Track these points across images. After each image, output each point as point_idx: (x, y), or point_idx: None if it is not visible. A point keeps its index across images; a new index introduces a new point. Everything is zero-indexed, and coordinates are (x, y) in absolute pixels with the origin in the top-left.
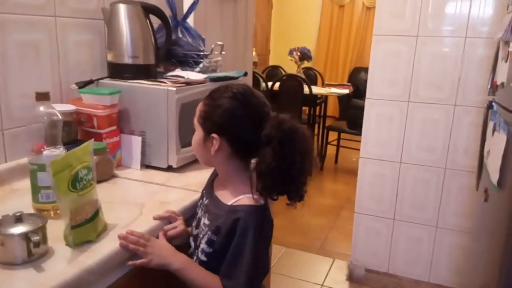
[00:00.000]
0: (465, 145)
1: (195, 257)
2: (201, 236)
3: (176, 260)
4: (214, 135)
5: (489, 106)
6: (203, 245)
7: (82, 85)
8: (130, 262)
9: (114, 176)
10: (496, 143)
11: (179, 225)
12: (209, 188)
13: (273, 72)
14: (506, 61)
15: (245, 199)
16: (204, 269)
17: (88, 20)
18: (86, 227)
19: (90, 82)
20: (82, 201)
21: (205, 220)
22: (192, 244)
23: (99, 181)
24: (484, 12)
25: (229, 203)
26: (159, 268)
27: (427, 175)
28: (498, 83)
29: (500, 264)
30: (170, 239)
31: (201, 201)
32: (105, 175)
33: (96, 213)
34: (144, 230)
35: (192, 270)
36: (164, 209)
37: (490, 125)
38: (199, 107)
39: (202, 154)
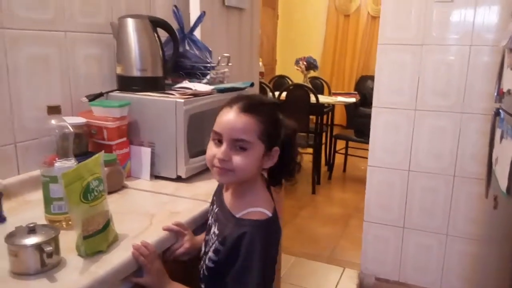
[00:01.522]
0: (472, 152)
1: (203, 262)
2: (210, 244)
3: (171, 286)
4: (276, 148)
5: (496, 113)
6: (210, 254)
7: (93, 98)
8: (134, 279)
9: (124, 187)
10: (504, 150)
11: (185, 242)
12: (219, 195)
13: (280, 82)
14: (511, 69)
15: (254, 213)
16: None
17: (97, 35)
18: (97, 237)
19: (100, 95)
20: (93, 212)
21: (215, 229)
22: (203, 248)
23: (109, 192)
24: (489, 19)
25: (237, 215)
26: None
27: (435, 183)
28: (505, 90)
29: (511, 271)
30: (178, 257)
31: (211, 207)
32: (116, 186)
33: (107, 224)
34: (154, 241)
35: None
36: (173, 219)
37: (498, 132)
38: (251, 124)
39: (253, 169)
